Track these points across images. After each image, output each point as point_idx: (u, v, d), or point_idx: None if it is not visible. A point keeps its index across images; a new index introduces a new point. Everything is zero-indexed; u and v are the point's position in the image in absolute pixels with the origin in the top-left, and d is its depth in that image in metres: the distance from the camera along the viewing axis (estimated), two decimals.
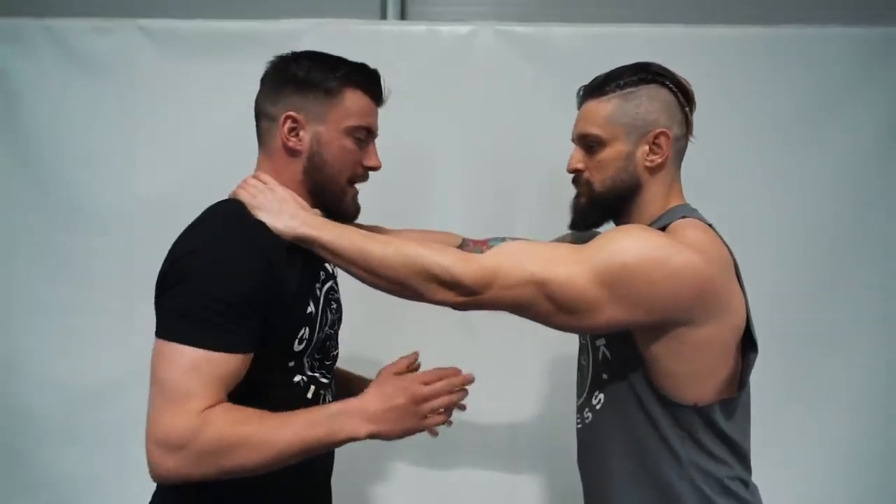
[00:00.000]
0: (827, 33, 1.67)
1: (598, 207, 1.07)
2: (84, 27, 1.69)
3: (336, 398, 1.14)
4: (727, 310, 0.95)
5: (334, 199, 1.06)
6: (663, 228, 1.00)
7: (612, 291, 0.91)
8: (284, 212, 0.99)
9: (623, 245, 0.93)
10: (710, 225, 1.02)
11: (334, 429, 0.89)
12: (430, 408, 0.94)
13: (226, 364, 0.88)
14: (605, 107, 1.04)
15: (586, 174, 1.07)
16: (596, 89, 1.06)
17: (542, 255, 0.96)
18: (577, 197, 1.10)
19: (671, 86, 1.04)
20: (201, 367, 0.86)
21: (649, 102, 1.03)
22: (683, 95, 1.05)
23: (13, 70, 1.69)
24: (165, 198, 1.64)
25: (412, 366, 1.00)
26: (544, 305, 0.94)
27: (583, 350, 1.15)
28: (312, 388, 1.04)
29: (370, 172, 1.10)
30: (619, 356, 1.02)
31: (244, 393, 0.91)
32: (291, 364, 1.01)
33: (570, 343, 1.21)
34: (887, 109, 1.66)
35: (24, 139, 1.71)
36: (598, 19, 1.83)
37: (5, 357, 1.72)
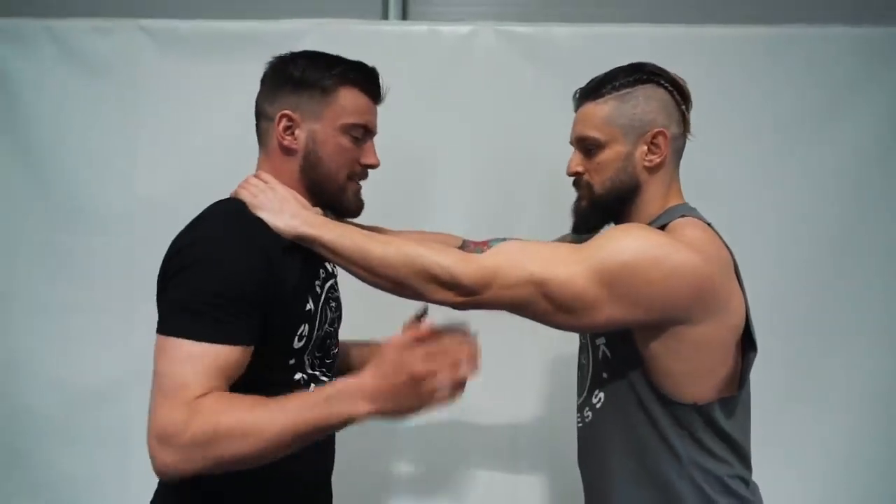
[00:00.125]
0: (828, 33, 1.67)
1: (599, 209, 1.07)
2: (85, 27, 1.69)
3: None
4: (726, 309, 0.95)
5: (333, 197, 1.06)
6: (662, 227, 1.01)
7: (610, 290, 0.91)
8: (285, 211, 0.99)
9: (622, 244, 0.93)
10: (709, 224, 1.02)
11: (332, 410, 0.83)
12: (433, 386, 0.84)
13: (224, 355, 0.87)
14: (602, 109, 1.04)
15: (586, 177, 1.07)
16: (592, 91, 1.06)
17: (541, 254, 0.96)
18: (578, 200, 1.10)
19: (667, 85, 1.04)
20: (197, 359, 0.85)
21: (646, 102, 1.03)
22: (679, 94, 1.05)
23: (14, 70, 1.69)
24: (166, 198, 1.64)
25: (420, 337, 0.84)
26: (543, 305, 0.94)
27: (583, 349, 1.15)
28: (313, 386, 1.04)
29: (370, 171, 1.10)
30: (619, 355, 1.02)
31: (244, 391, 0.90)
32: (291, 362, 1.01)
33: (570, 342, 1.21)
34: (888, 109, 1.66)
35: (24, 139, 1.71)
36: (599, 19, 1.83)
37: (6, 357, 1.72)
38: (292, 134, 1.03)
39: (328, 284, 1.11)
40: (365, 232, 1.02)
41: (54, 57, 1.69)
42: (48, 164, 1.70)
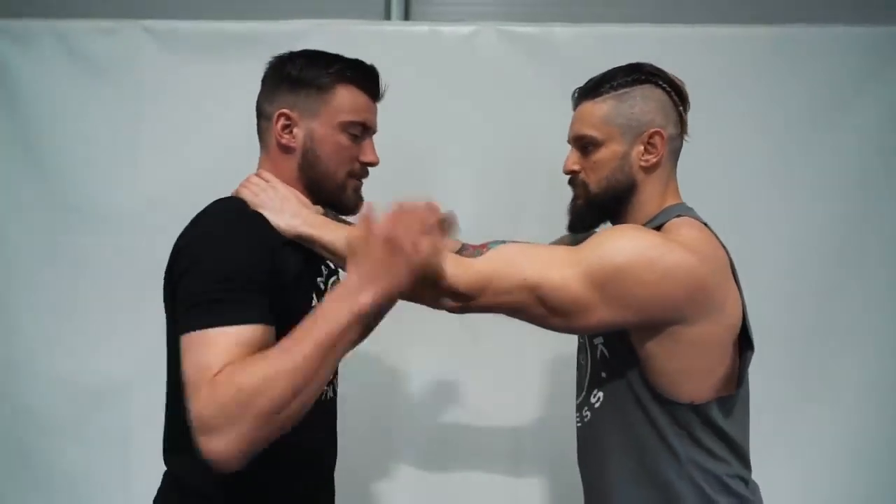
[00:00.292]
0: (832, 33, 1.67)
1: (595, 208, 1.07)
2: (88, 28, 1.70)
3: (337, 394, 1.14)
4: (722, 309, 0.95)
5: (333, 195, 1.06)
6: (659, 227, 1.01)
7: (603, 293, 0.92)
8: (286, 210, 0.99)
9: (616, 246, 0.93)
10: (705, 224, 1.02)
11: (338, 317, 0.82)
12: (411, 237, 0.84)
13: (244, 335, 0.85)
14: (600, 108, 1.05)
15: (582, 175, 1.08)
16: (590, 91, 1.07)
17: (536, 258, 0.96)
18: (574, 199, 1.11)
19: (665, 86, 1.05)
20: (214, 344, 0.83)
21: (644, 102, 1.03)
22: (677, 95, 1.05)
23: (18, 70, 1.70)
24: (170, 197, 1.64)
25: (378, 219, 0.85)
26: (537, 309, 0.95)
27: (581, 349, 1.15)
28: None
29: (372, 171, 1.11)
30: (617, 354, 1.02)
31: None
32: None
33: (570, 342, 1.21)
34: (892, 108, 1.65)
35: (28, 139, 1.72)
36: (602, 19, 1.84)
37: (10, 356, 1.73)
38: (290, 132, 1.03)
39: (331, 281, 1.11)
40: None
41: (58, 57, 1.69)
42: (52, 164, 1.71)
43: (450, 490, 1.72)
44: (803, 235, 1.67)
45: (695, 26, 1.71)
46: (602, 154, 1.05)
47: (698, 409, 0.97)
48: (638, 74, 1.05)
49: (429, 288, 0.96)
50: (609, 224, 1.10)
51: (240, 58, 1.61)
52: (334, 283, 1.12)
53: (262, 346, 0.85)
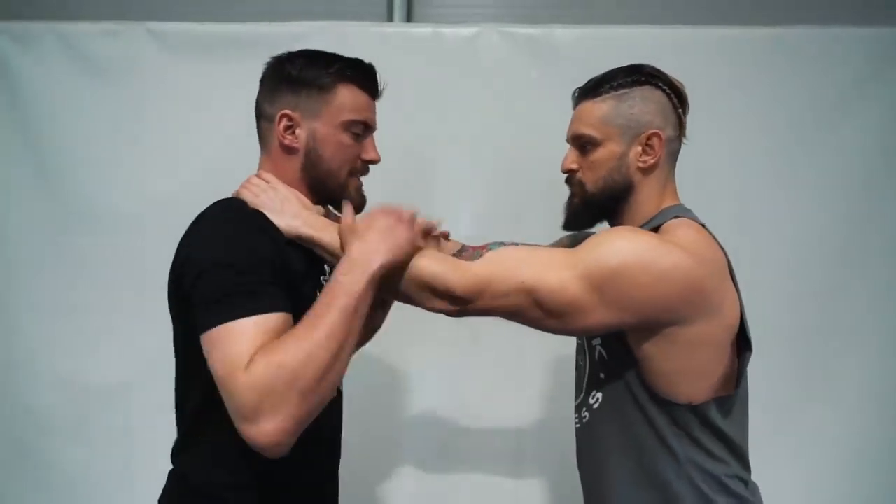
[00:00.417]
0: (835, 33, 1.67)
1: (592, 208, 1.08)
2: (92, 30, 1.71)
3: (342, 393, 1.14)
4: (719, 309, 0.95)
5: (335, 193, 1.06)
6: (656, 229, 1.01)
7: (601, 295, 0.92)
8: (287, 211, 0.99)
9: (612, 248, 0.94)
10: (703, 225, 1.02)
11: (354, 285, 0.88)
12: (410, 214, 0.98)
13: (269, 323, 0.85)
14: (599, 107, 1.05)
15: (579, 174, 1.08)
16: (591, 90, 1.07)
17: (533, 261, 0.96)
18: (571, 197, 1.11)
19: (665, 88, 1.05)
20: (242, 334, 0.83)
21: (643, 104, 1.03)
22: (677, 97, 1.05)
23: (21, 72, 1.71)
24: (173, 199, 1.65)
25: None
26: (534, 312, 0.95)
27: (580, 350, 1.15)
28: None
29: (375, 171, 1.11)
30: (615, 356, 1.02)
31: None
32: None
33: (571, 343, 1.21)
34: (895, 109, 1.65)
35: (33, 141, 1.73)
36: (604, 21, 1.84)
37: (13, 356, 1.74)
38: (293, 133, 1.03)
39: None
40: None
41: (60, 59, 1.71)
42: (56, 166, 1.72)
43: (451, 491, 1.72)
44: (806, 235, 1.67)
45: (697, 27, 1.71)
46: (600, 154, 1.05)
47: (696, 410, 0.97)
48: (638, 76, 1.05)
49: (426, 291, 0.96)
50: (605, 224, 1.10)
51: (242, 60, 1.61)
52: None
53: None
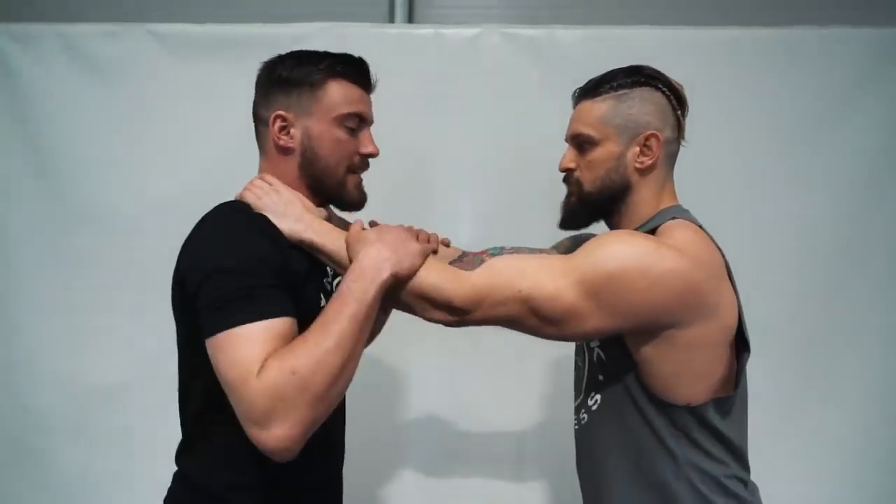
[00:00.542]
0: (838, 34, 1.67)
1: (589, 207, 1.08)
2: (95, 32, 1.72)
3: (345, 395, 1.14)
4: (716, 311, 0.95)
5: (334, 191, 1.06)
6: (654, 230, 1.01)
7: (597, 300, 0.92)
8: (289, 214, 0.99)
9: (608, 252, 0.94)
10: (700, 226, 1.02)
11: (364, 292, 0.89)
12: (418, 231, 1.03)
13: (276, 328, 0.86)
14: (598, 107, 1.05)
15: (577, 173, 1.08)
16: (590, 90, 1.07)
17: (529, 269, 0.96)
18: (568, 196, 1.11)
19: (664, 89, 1.04)
20: (251, 339, 0.84)
21: (642, 104, 1.03)
22: (676, 99, 1.05)
23: (25, 73, 1.72)
24: (173, 199, 1.65)
25: None
26: (531, 320, 0.95)
27: (579, 351, 1.15)
28: None
29: (373, 167, 1.10)
30: (613, 357, 1.02)
31: None
32: None
33: (573, 345, 1.21)
34: None
35: (35, 142, 1.73)
36: (605, 21, 1.83)
37: (15, 356, 1.75)
38: (288, 133, 1.03)
39: (336, 281, 1.11)
40: None
41: (64, 61, 1.71)
42: (57, 166, 1.73)
43: (452, 493, 1.72)
44: (808, 235, 1.67)
45: (699, 28, 1.71)
46: (598, 153, 1.05)
47: (695, 411, 0.97)
48: (638, 76, 1.05)
49: (426, 302, 0.96)
50: (603, 224, 1.10)
51: (242, 61, 1.60)
52: (339, 283, 1.12)
53: (291, 338, 0.87)
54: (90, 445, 1.72)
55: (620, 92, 1.04)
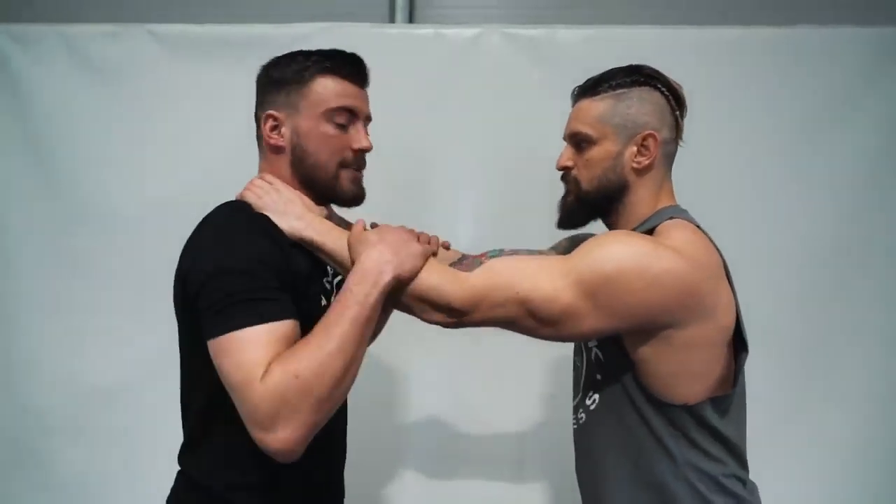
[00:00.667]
0: (841, 33, 1.67)
1: (586, 206, 1.08)
2: (95, 32, 1.72)
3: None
4: (713, 311, 0.95)
5: (327, 187, 1.05)
6: (651, 230, 1.01)
7: (595, 301, 0.92)
8: (290, 212, 0.99)
9: (605, 253, 0.94)
10: (698, 226, 1.02)
11: (367, 296, 0.90)
12: (418, 233, 1.02)
13: (279, 331, 0.87)
14: (597, 106, 1.05)
15: (575, 172, 1.08)
16: (589, 89, 1.07)
17: (527, 271, 0.96)
18: (565, 195, 1.11)
19: (663, 89, 1.04)
20: (255, 342, 0.85)
21: (640, 104, 1.03)
22: (675, 100, 1.05)
23: (26, 74, 1.72)
24: (173, 199, 1.66)
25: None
26: (527, 321, 0.95)
27: (577, 351, 1.16)
28: None
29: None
30: (611, 357, 1.02)
31: None
32: None
33: (572, 345, 1.21)
34: None
35: (36, 142, 1.73)
36: (606, 21, 1.83)
37: (16, 356, 1.75)
38: (278, 132, 1.04)
39: (336, 280, 1.11)
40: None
41: (64, 61, 1.71)
42: (57, 167, 1.73)
43: (452, 492, 1.72)
44: (808, 234, 1.67)
45: (700, 28, 1.71)
46: (595, 152, 1.05)
47: (692, 411, 0.97)
48: (637, 76, 1.05)
49: (425, 304, 0.96)
50: (600, 222, 1.10)
51: (243, 61, 1.60)
52: (339, 283, 1.12)
53: (294, 341, 0.88)
54: (90, 446, 1.73)
55: (619, 91, 1.04)
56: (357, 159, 1.07)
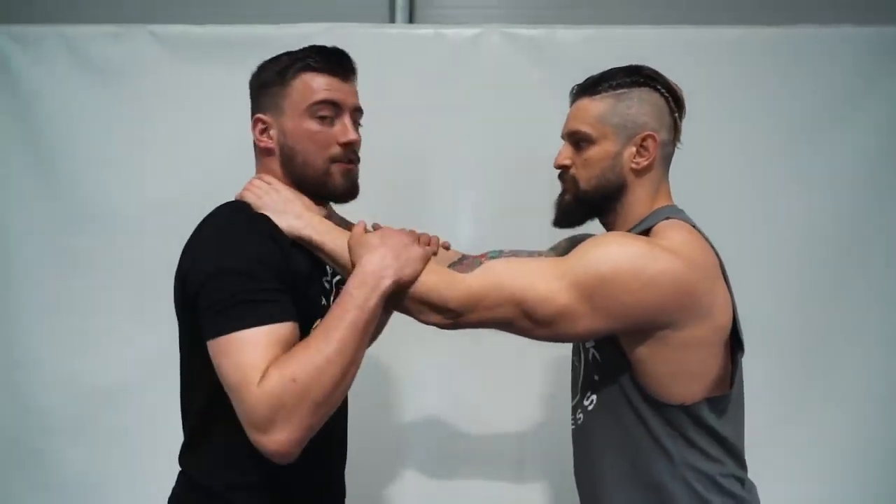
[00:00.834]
0: (842, 33, 1.67)
1: (583, 205, 1.08)
2: (95, 33, 1.72)
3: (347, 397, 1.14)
4: (710, 312, 0.95)
5: (317, 184, 1.04)
6: (648, 230, 1.01)
7: (591, 302, 0.92)
8: (289, 212, 1.00)
9: (601, 254, 0.94)
10: (694, 226, 1.02)
11: (366, 300, 0.90)
12: (419, 235, 1.03)
13: (278, 333, 0.87)
14: (597, 106, 1.05)
15: (572, 171, 1.08)
16: (589, 88, 1.07)
17: (524, 272, 0.96)
18: (563, 194, 1.11)
19: (663, 90, 1.04)
20: (254, 344, 0.85)
21: (640, 105, 1.03)
22: (674, 101, 1.05)
23: (27, 75, 1.72)
24: (175, 200, 1.66)
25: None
26: (523, 322, 0.96)
27: (575, 351, 1.16)
28: None
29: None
30: (608, 358, 1.02)
31: None
32: None
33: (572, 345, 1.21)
34: None
35: (37, 142, 1.73)
36: (606, 21, 1.83)
37: (17, 356, 1.75)
38: (268, 135, 1.04)
39: (335, 280, 1.11)
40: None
41: (65, 62, 1.71)
42: (59, 167, 1.73)
43: (452, 493, 1.72)
44: (809, 234, 1.67)
45: (700, 28, 1.71)
46: (594, 151, 1.05)
47: (690, 410, 0.97)
48: (637, 76, 1.05)
49: (423, 305, 0.97)
50: (597, 222, 1.11)
51: (244, 62, 1.60)
52: (339, 283, 1.12)
53: (293, 343, 0.89)
54: (91, 446, 1.73)
55: (619, 91, 1.04)
56: (346, 153, 1.05)
